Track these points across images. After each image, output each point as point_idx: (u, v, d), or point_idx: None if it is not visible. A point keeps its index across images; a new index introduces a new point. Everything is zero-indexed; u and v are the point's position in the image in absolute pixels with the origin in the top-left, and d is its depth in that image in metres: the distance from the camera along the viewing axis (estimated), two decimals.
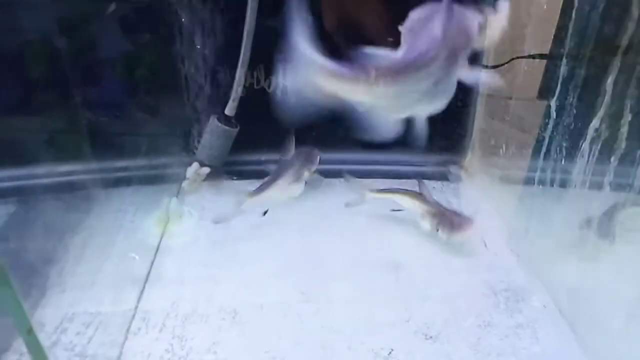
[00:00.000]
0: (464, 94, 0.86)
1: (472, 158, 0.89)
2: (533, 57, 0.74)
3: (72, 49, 0.82)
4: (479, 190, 0.85)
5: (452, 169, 0.89)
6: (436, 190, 0.84)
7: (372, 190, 0.77)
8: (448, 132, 0.89)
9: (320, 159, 0.82)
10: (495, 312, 0.60)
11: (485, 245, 0.72)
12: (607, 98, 0.52)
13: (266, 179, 0.76)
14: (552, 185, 0.64)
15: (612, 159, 0.52)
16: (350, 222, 0.79)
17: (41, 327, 0.57)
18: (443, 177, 0.89)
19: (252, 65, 0.84)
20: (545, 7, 0.68)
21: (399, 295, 0.64)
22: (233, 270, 0.68)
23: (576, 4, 0.59)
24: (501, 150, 0.82)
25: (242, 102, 0.85)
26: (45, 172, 0.84)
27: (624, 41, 0.51)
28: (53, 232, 0.72)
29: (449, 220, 0.68)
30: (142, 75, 0.90)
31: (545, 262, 0.65)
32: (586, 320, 0.57)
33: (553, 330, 0.58)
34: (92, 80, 0.88)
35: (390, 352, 0.55)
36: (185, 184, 0.84)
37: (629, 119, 0.49)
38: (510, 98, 0.80)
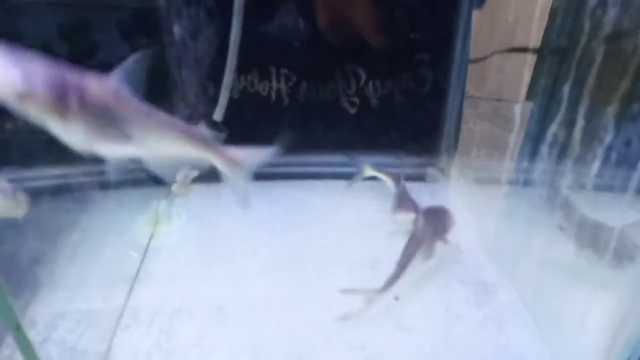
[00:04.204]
0: (440, 99, 0.90)
1: (448, 160, 0.93)
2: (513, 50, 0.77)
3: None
4: (454, 190, 0.89)
5: (430, 170, 0.93)
6: (413, 190, 0.87)
7: (370, 166, 0.84)
8: (425, 135, 0.92)
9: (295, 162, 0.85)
10: (464, 305, 0.64)
11: (458, 249, 0.75)
12: (563, 106, 0.56)
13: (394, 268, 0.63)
14: (518, 186, 0.68)
15: (568, 161, 0.56)
16: (333, 221, 0.83)
17: (33, 324, 0.60)
18: (421, 178, 0.93)
19: (245, 69, 0.87)
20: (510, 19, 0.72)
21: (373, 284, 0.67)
22: (219, 268, 0.72)
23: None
24: (474, 152, 0.86)
25: (236, 105, 0.86)
26: (38, 175, 0.87)
27: (578, 52, 0.55)
28: (46, 233, 0.75)
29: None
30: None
31: (512, 259, 0.69)
32: (548, 314, 0.61)
33: (518, 323, 0.62)
34: None
35: (364, 344, 0.59)
36: (174, 186, 0.88)
37: (582, 124, 0.53)
38: (480, 97, 0.84)
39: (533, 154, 0.67)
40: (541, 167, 0.63)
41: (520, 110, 0.68)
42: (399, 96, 0.90)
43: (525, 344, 0.59)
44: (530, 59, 0.71)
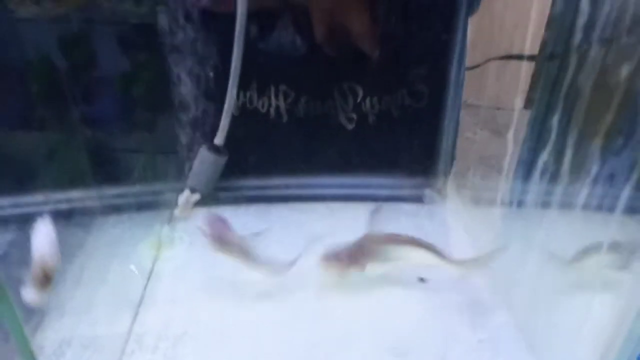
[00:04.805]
0: (436, 116, 0.92)
1: (445, 181, 0.95)
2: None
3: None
4: (451, 212, 0.91)
5: (427, 191, 0.95)
6: (410, 213, 0.90)
7: None
8: (422, 154, 0.95)
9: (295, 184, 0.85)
10: (460, 328, 0.66)
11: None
12: (553, 135, 0.59)
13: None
14: (513, 207, 0.70)
15: (557, 186, 0.58)
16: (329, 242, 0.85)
17: (40, 349, 0.62)
18: (419, 199, 0.95)
19: (244, 85, 0.88)
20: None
21: (373, 313, 0.69)
22: (221, 292, 0.73)
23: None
24: (470, 172, 0.88)
25: (236, 122, 0.85)
26: (42, 200, 0.89)
27: (565, 85, 0.57)
28: None
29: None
30: (137, 96, 0.96)
31: (507, 281, 0.71)
32: (540, 335, 0.62)
33: (512, 346, 0.64)
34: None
35: None
36: (176, 210, 0.90)
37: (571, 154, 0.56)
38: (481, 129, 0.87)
39: (526, 177, 0.69)
40: (535, 189, 0.65)
41: (516, 120, 0.70)
42: (396, 112, 0.91)
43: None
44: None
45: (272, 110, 0.91)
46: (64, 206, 0.85)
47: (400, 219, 0.90)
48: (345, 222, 0.89)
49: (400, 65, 0.88)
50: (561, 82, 0.58)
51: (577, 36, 0.54)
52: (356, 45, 0.86)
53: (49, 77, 0.94)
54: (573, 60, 0.56)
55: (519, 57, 0.77)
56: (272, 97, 0.90)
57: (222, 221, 0.73)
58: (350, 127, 0.90)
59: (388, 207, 0.90)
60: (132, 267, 0.76)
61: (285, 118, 0.91)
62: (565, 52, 0.59)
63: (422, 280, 0.68)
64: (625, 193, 0.46)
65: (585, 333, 0.53)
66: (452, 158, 0.96)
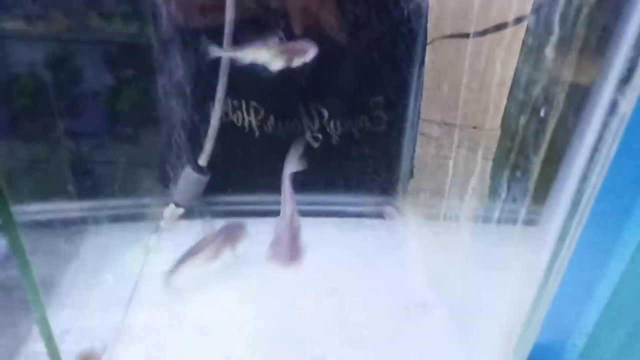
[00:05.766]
0: (395, 139, 1.04)
1: (403, 198, 1.08)
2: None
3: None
4: (406, 227, 1.03)
5: (387, 208, 1.08)
6: (371, 227, 1.02)
7: None
8: (383, 176, 1.07)
9: (268, 201, 0.92)
10: (405, 322, 0.78)
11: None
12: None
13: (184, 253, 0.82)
14: (452, 221, 0.83)
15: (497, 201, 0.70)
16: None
17: None
18: (379, 215, 1.07)
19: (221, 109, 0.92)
20: None
21: (333, 310, 0.81)
22: (203, 293, 0.84)
23: None
24: (423, 193, 1.01)
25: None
26: (40, 209, 0.99)
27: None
28: (50, 260, 0.86)
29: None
30: (122, 112, 1.06)
31: (447, 284, 0.83)
32: (469, 328, 0.75)
33: (446, 337, 0.76)
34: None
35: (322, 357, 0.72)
36: (162, 222, 1.00)
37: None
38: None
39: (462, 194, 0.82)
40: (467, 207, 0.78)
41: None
42: (358, 134, 1.00)
43: (451, 352, 0.73)
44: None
45: (245, 124, 0.99)
46: (62, 215, 0.95)
47: (361, 232, 1.02)
48: (310, 237, 1.00)
49: (362, 93, 0.98)
50: None
51: None
52: (322, 71, 0.92)
53: (37, 92, 1.02)
54: None
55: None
56: (244, 112, 0.98)
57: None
58: (315, 145, 1.00)
59: (351, 222, 1.04)
60: (109, 276, 0.86)
61: (257, 134, 0.99)
62: None
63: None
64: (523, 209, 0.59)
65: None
66: (410, 177, 1.09)
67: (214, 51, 0.84)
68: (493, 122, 0.85)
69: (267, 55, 0.80)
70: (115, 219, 1.00)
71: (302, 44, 0.81)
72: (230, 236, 0.85)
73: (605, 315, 0.55)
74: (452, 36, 0.88)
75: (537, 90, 0.60)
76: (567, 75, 0.56)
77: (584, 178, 0.53)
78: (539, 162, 0.60)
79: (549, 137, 0.59)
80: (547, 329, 0.58)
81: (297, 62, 0.81)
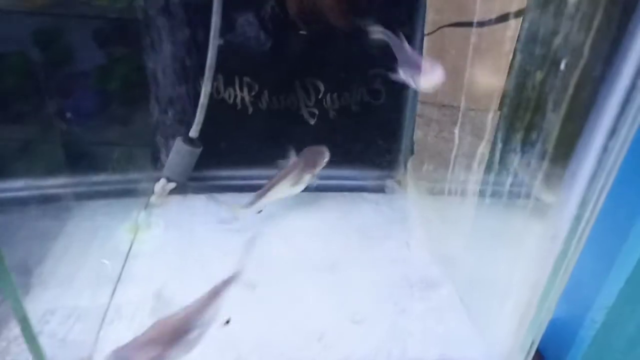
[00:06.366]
0: (398, 116, 1.00)
1: (405, 172, 1.03)
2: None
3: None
4: (409, 201, 0.99)
5: (388, 182, 1.03)
6: (372, 201, 0.98)
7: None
8: (384, 149, 1.02)
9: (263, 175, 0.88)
10: (409, 300, 0.74)
11: (408, 246, 0.85)
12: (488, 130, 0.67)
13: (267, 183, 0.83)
14: (458, 196, 0.79)
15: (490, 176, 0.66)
16: (298, 227, 0.92)
17: None
18: (380, 189, 1.03)
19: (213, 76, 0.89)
20: None
21: (333, 288, 0.77)
22: (193, 270, 0.79)
23: None
24: (426, 165, 0.97)
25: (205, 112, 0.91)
26: (25, 185, 0.94)
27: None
28: (35, 238, 0.82)
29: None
30: (113, 90, 1.01)
31: (453, 260, 0.79)
32: (479, 306, 0.71)
33: (454, 315, 0.72)
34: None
35: (321, 335, 0.68)
36: (153, 198, 0.95)
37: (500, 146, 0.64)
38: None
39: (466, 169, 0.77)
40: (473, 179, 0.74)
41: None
42: (355, 108, 0.97)
43: (459, 332, 0.69)
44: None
45: (238, 101, 0.95)
46: (48, 192, 0.90)
47: (363, 206, 0.98)
48: (311, 211, 0.97)
49: (360, 65, 0.93)
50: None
51: None
52: (320, 44, 0.90)
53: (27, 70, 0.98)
54: None
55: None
56: (237, 89, 0.94)
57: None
58: (312, 121, 0.96)
59: (352, 196, 0.99)
60: (105, 260, 0.81)
61: (250, 110, 0.95)
62: None
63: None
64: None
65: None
66: (411, 152, 1.04)
67: None
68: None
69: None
70: (105, 195, 0.95)
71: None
72: (310, 161, 0.84)
73: (627, 288, 0.52)
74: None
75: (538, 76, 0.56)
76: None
77: (605, 149, 0.49)
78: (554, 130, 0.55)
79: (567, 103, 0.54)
80: (564, 303, 0.54)
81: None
